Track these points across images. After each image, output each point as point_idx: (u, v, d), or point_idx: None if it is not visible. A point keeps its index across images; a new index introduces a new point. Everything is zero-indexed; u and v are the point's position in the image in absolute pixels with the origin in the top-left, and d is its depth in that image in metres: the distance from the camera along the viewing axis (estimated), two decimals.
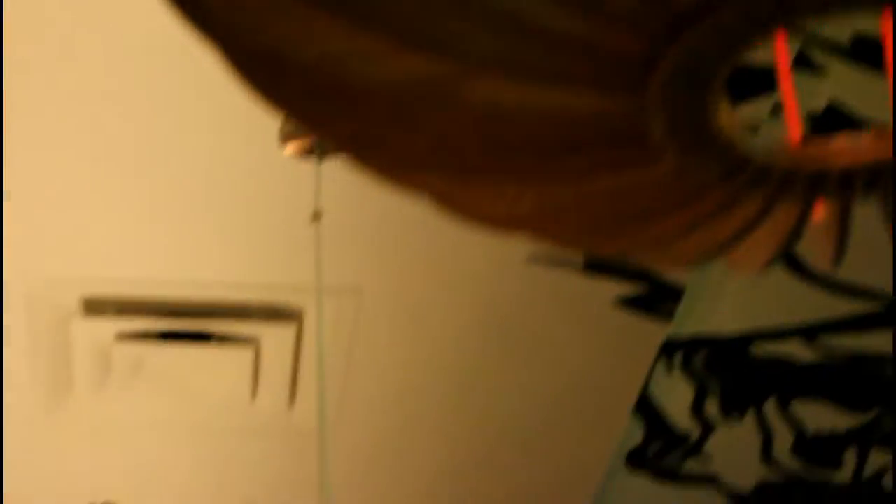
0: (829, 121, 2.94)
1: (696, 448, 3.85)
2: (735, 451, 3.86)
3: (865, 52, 2.81)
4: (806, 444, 3.83)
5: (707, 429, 3.78)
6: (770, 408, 3.74)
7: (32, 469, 3.61)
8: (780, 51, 1.40)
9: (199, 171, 2.89)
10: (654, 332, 3.41)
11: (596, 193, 1.28)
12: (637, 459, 3.90)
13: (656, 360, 3.56)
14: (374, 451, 3.67)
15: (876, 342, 3.53)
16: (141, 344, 3.21)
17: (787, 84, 1.39)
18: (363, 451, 3.65)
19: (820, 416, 3.77)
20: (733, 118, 1.22)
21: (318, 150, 2.80)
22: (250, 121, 2.75)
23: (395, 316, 3.27)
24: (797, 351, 3.59)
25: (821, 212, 1.37)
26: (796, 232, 1.36)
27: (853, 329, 3.52)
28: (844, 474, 3.91)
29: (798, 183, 1.27)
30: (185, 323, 3.21)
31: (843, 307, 3.46)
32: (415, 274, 3.18)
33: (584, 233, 1.36)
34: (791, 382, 3.67)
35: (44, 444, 3.52)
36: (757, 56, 1.16)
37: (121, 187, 2.90)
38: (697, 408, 3.74)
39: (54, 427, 3.46)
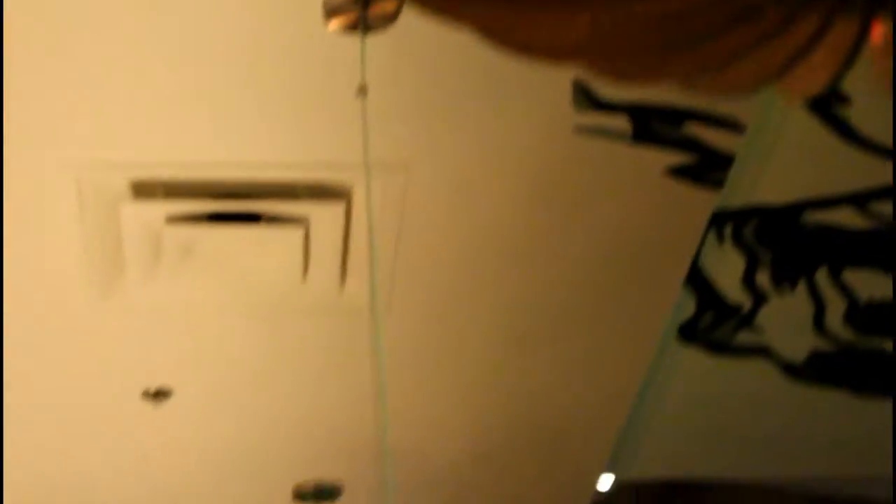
0: None
1: (747, 320, 3.84)
2: (787, 321, 3.85)
3: None
4: (858, 313, 3.81)
5: (759, 300, 3.77)
6: (822, 277, 3.72)
7: (86, 355, 3.64)
8: None
9: (244, 50, 2.88)
10: (704, 202, 3.38)
11: (649, 16, 1.26)
12: (689, 332, 3.90)
13: (707, 232, 3.54)
14: (426, 326, 3.68)
15: None
16: (191, 226, 3.22)
17: None
18: (415, 326, 3.66)
19: (872, 284, 3.75)
20: None
21: (362, 24, 2.78)
22: None
23: (444, 190, 3.26)
24: (848, 219, 3.56)
25: (880, 31, 1.35)
26: (854, 53, 1.34)
27: None
28: None
29: None
30: (234, 204, 3.21)
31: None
32: (462, 147, 3.16)
33: (637, 59, 1.34)
34: (842, 251, 3.65)
35: (97, 329, 3.55)
36: None
37: (166, 70, 2.89)
38: (749, 279, 3.72)
39: (107, 312, 3.48)
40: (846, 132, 3.31)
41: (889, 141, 3.33)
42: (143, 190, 3.17)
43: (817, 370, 3.97)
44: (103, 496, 4.29)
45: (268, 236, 3.26)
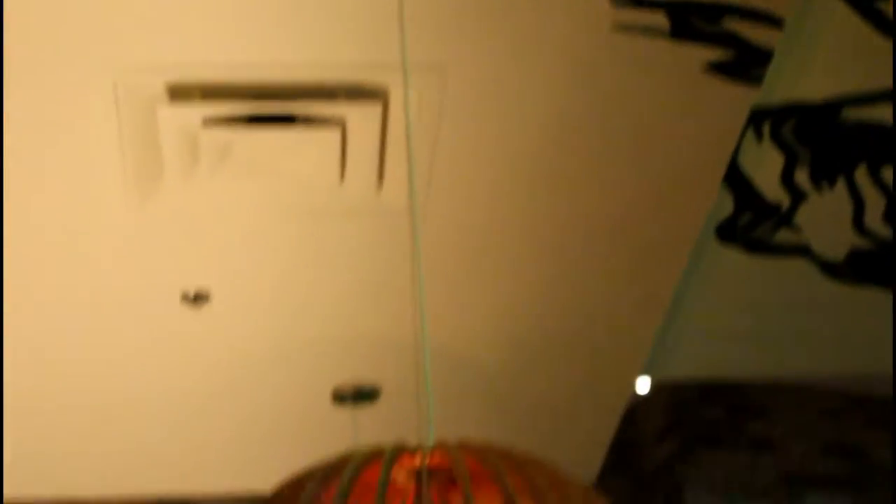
0: None
1: (786, 218, 3.82)
2: (826, 220, 3.84)
3: None
4: None
5: (797, 198, 3.75)
6: (861, 175, 3.70)
7: (125, 258, 3.66)
8: None
9: None
10: (743, 98, 3.34)
11: None
12: (727, 232, 3.89)
13: (745, 130, 3.52)
14: (463, 226, 3.67)
15: None
16: (228, 128, 3.21)
17: None
18: (452, 227, 3.65)
19: None
20: None
21: None
22: None
23: (481, 91, 3.24)
24: (888, 115, 3.53)
25: None
26: None
27: None
28: None
29: None
30: (271, 106, 3.20)
31: None
32: (500, 48, 3.13)
33: None
34: (882, 148, 3.62)
35: (136, 233, 3.56)
36: None
37: None
38: (787, 177, 3.70)
39: (145, 216, 3.49)
40: (886, 27, 3.28)
41: None
42: (180, 92, 3.16)
43: (856, 268, 3.96)
44: (143, 398, 4.34)
45: (305, 138, 3.25)
